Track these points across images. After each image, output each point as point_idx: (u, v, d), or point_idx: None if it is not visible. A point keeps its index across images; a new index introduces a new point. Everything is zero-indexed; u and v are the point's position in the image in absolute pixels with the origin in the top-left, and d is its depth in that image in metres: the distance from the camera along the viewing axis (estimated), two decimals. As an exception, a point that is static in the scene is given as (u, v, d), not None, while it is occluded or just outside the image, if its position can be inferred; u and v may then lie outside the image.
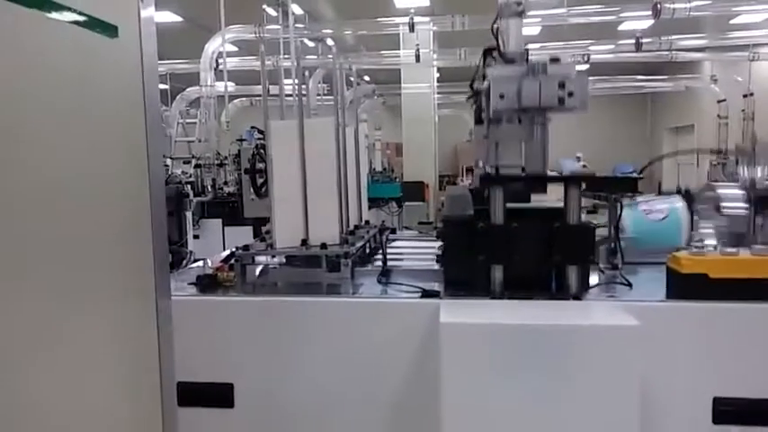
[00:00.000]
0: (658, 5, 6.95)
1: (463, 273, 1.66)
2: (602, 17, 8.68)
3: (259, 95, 12.56)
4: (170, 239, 5.51)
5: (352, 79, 15.87)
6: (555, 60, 1.71)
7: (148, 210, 1.07)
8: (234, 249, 1.95)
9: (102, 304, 0.98)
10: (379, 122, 14.18)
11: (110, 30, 0.97)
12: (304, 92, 2.17)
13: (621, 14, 8.62)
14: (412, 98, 11.74)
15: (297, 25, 9.82)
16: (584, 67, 14.65)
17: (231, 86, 11.69)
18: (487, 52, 2.16)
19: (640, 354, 1.32)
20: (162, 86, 13.10)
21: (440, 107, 14.70)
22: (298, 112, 1.97)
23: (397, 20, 8.88)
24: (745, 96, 10.51)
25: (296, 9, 10.55)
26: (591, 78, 9.03)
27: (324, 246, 1.87)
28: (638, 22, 10.39)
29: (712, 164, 11.40)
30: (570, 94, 1.58)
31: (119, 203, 1.00)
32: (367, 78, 15.56)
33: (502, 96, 1.62)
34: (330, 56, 12.79)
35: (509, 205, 1.60)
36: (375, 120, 13.67)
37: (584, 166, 13.25)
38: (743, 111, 10.53)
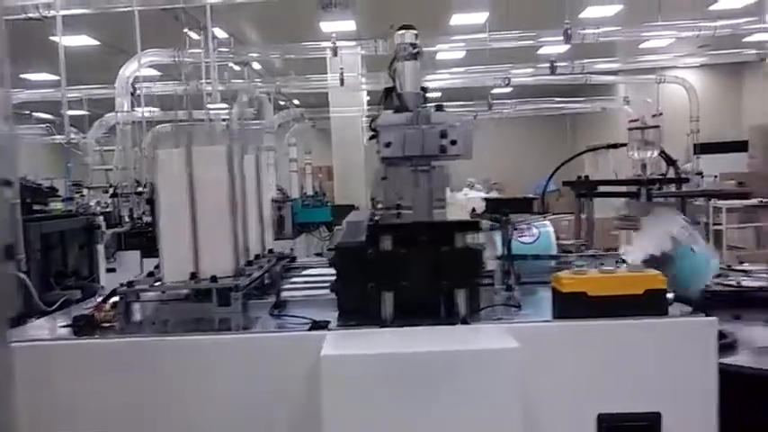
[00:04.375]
0: (568, 31, 7.35)
1: (355, 301, 1.63)
2: (520, 42, 9.08)
3: (182, 121, 12.20)
4: (80, 275, 5.20)
5: (282, 103, 15.76)
6: (440, 108, 1.77)
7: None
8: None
9: None
10: (309, 146, 14.11)
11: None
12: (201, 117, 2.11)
13: (539, 39, 9.06)
14: (341, 122, 11.79)
15: (220, 49, 9.70)
16: (508, 90, 15.24)
17: (154, 112, 11.36)
18: (388, 92, 2.19)
19: (521, 375, 1.32)
20: (79, 113, 12.54)
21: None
22: (186, 140, 1.90)
23: (323, 44, 8.94)
24: (654, 116, 11.22)
25: (220, 33, 10.43)
26: (515, 100, 9.42)
27: (214, 279, 1.80)
28: (554, 47, 10.94)
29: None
30: (453, 143, 1.63)
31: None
32: (297, 102, 15.52)
33: (387, 145, 1.65)
34: (257, 79, 12.63)
35: (402, 222, 1.61)
36: (305, 143, 13.60)
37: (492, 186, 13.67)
38: (653, 130, 11.25)
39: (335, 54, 7.85)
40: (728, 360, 1.92)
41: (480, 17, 10.96)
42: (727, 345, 2.02)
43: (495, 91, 14.79)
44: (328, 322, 1.58)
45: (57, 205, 5.80)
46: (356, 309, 1.63)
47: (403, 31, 2.13)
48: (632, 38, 8.59)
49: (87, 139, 10.78)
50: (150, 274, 1.98)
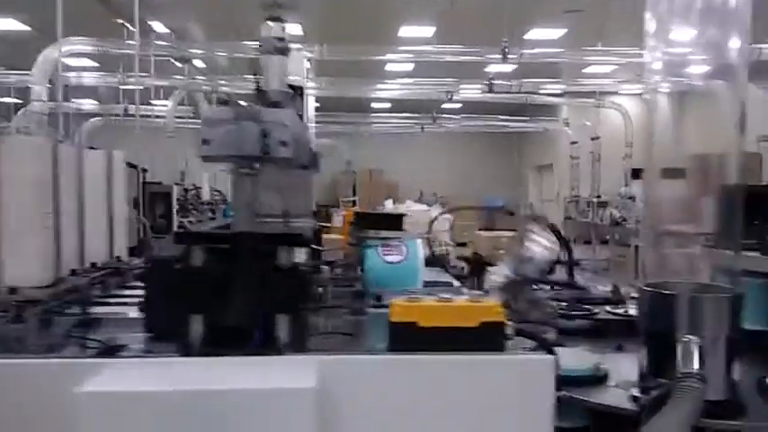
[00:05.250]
0: (506, 49, 7.38)
1: (163, 324, 1.43)
2: (463, 57, 9.11)
3: (116, 115, 11.67)
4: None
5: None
6: (275, 104, 1.61)
7: None
8: None
9: None
10: (251, 150, 13.77)
11: None
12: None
13: (486, 56, 9.10)
14: (285, 127, 11.50)
15: (158, 42, 9.34)
16: (458, 105, 15.30)
17: (83, 103, 10.82)
18: (259, 91, 2.04)
19: (316, 418, 1.15)
20: (8, 100, 11.86)
21: (318, 136, 14.65)
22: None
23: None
24: (593, 139, 11.46)
25: (159, 27, 10.07)
26: (462, 116, 9.43)
27: (13, 290, 1.56)
28: (501, 65, 11.04)
29: (566, 201, 12.33)
30: (283, 144, 1.45)
31: None
32: (244, 103, 15.18)
33: (207, 142, 1.45)
34: (199, 77, 12.22)
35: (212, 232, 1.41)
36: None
37: (438, 199, 13.71)
38: (591, 153, 11.46)
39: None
40: (595, 396, 1.82)
41: (428, 31, 10.96)
42: (597, 378, 1.92)
43: (446, 106, 14.88)
44: (121, 347, 1.37)
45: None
46: (165, 333, 1.43)
47: (270, 23, 1.98)
48: (570, 60, 8.70)
49: (10, 128, 10.16)
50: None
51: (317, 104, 13.79)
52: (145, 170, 7.02)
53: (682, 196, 2.17)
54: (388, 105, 16.04)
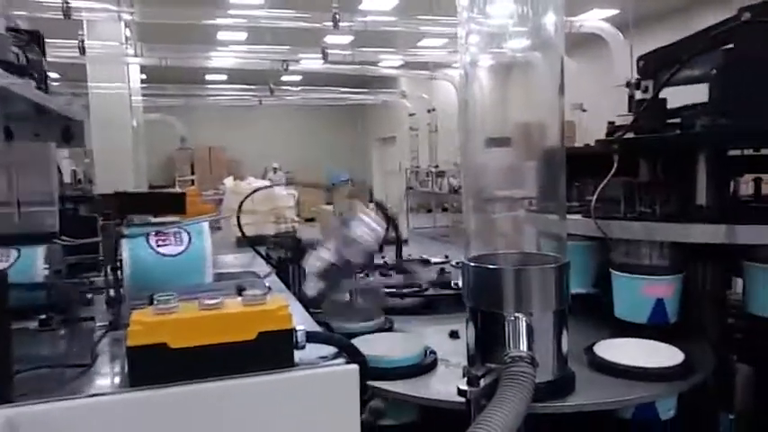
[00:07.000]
0: (336, 16, 7.09)
1: None
2: (298, 23, 8.62)
3: None
4: None
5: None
6: None
7: None
8: None
9: None
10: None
11: None
12: None
13: (322, 23, 8.67)
14: (103, 99, 10.19)
15: None
16: (297, 77, 14.73)
17: None
18: None
19: None
20: None
21: (147, 111, 13.34)
22: None
23: (76, 3, 7.47)
24: (429, 111, 11.69)
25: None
26: (300, 88, 8.85)
27: None
28: (338, 35, 10.75)
29: (408, 172, 12.57)
30: None
31: None
32: (56, 75, 13.23)
33: None
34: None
35: None
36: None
37: (286, 175, 13.25)
38: (428, 124, 11.70)
39: (67, 16, 6.53)
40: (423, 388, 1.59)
41: (260, -4, 10.28)
42: (426, 367, 1.70)
43: (286, 78, 14.27)
44: None
45: None
46: None
47: None
48: (401, 29, 8.65)
49: None
50: None
51: (144, 75, 12.45)
52: None
53: (504, 164, 2.03)
54: (224, 77, 15.02)
